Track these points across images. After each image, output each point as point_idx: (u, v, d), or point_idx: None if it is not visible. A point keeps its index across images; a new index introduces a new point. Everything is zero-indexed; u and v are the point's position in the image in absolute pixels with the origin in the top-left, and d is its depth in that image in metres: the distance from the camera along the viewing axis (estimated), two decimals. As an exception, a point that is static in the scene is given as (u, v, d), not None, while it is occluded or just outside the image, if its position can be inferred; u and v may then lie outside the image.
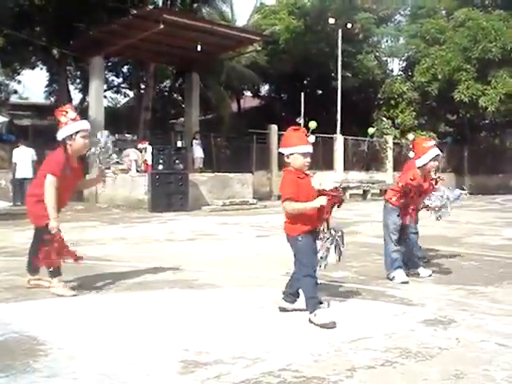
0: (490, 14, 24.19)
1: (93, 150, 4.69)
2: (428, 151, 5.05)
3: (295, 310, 3.84)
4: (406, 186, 4.87)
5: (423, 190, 4.97)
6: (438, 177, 5.26)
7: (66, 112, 4.41)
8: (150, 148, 15.71)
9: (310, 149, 3.72)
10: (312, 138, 3.76)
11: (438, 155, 5.09)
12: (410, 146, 5.38)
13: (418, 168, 5.06)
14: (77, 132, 4.37)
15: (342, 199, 3.68)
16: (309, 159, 3.72)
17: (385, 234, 5.13)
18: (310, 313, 3.56)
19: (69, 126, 4.38)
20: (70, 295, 4.33)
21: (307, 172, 3.77)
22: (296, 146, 3.68)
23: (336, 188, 3.74)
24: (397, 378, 2.64)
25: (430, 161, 5.04)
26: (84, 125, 4.45)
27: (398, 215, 5.00)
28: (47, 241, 4.25)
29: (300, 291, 3.79)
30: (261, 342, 3.18)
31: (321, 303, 3.63)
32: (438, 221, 5.13)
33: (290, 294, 3.86)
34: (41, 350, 3.03)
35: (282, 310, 3.90)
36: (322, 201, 3.54)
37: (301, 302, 3.81)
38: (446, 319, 3.68)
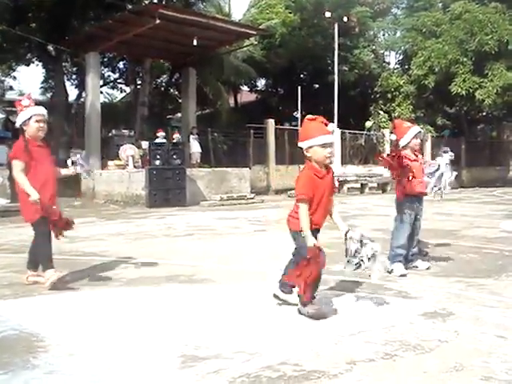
0: (486, 6, 24.11)
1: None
2: (409, 130, 5.14)
3: (286, 302, 3.78)
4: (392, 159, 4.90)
5: (411, 163, 5.00)
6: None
7: (21, 101, 4.58)
8: (145, 143, 15.63)
9: (330, 138, 3.50)
10: (332, 126, 3.56)
11: (419, 132, 5.20)
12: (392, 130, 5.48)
13: (403, 147, 5.11)
14: (30, 117, 4.47)
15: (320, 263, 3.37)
16: (330, 149, 3.48)
17: (395, 228, 5.12)
18: (302, 305, 3.53)
19: (23, 112, 4.50)
20: (61, 276, 4.43)
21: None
22: (314, 138, 3.46)
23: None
24: (396, 371, 2.64)
25: (413, 138, 5.11)
26: (36, 110, 4.53)
27: (411, 206, 5.03)
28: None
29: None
30: (260, 336, 3.18)
31: (314, 297, 3.56)
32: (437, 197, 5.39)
33: (286, 285, 3.79)
34: (40, 346, 3.03)
35: (275, 297, 3.83)
36: (314, 243, 3.34)
37: (295, 295, 3.78)
38: (444, 312, 3.68)
